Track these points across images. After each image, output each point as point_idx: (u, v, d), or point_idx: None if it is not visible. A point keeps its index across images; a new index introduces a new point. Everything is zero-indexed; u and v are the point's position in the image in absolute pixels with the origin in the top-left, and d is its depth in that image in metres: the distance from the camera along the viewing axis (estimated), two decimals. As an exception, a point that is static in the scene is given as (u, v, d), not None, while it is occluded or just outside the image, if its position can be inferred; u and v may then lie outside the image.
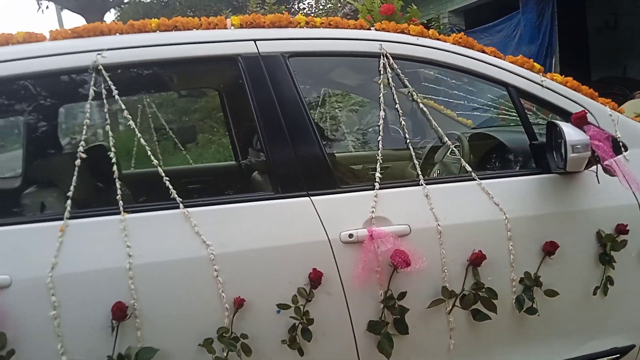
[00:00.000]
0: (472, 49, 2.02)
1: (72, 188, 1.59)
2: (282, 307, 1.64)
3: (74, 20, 44.91)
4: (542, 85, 2.00)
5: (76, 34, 1.78)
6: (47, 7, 15.39)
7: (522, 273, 1.83)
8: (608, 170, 1.85)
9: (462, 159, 1.90)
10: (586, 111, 1.85)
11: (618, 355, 1.97)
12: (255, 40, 1.83)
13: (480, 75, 2.00)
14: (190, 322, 1.61)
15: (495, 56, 2.04)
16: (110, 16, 14.69)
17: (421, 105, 1.91)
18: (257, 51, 1.82)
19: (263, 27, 1.89)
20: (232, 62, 1.82)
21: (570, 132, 1.76)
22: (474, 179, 1.85)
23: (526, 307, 1.83)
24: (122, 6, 15.26)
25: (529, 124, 1.98)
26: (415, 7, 2.48)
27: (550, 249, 1.83)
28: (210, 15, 1.97)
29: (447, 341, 1.80)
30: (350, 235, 1.70)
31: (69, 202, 1.58)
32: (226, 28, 1.90)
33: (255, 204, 1.73)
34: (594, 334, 1.97)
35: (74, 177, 1.61)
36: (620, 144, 2.00)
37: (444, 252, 1.76)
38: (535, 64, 2.08)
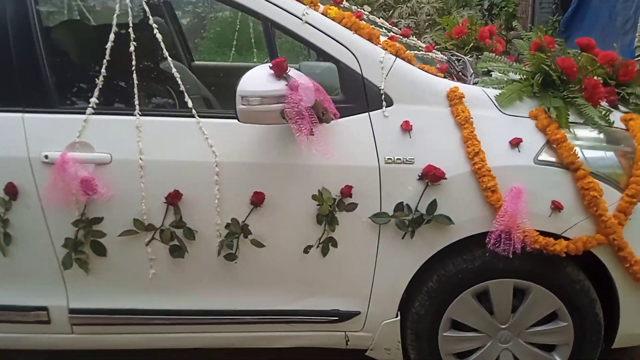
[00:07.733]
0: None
1: None
2: None
3: None
4: (302, 20, 1.78)
5: None
6: None
7: (229, 219, 1.80)
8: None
9: (185, 93, 1.80)
10: (284, 58, 1.62)
11: (337, 317, 1.89)
12: None
13: (232, 4, 1.83)
14: None
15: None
16: None
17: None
18: None
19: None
20: None
21: (248, 81, 1.59)
22: (193, 116, 1.79)
23: (226, 253, 1.82)
24: None
25: None
26: None
27: (255, 200, 1.76)
28: None
29: (147, 270, 1.87)
30: (46, 157, 1.78)
31: None
32: None
33: None
34: (314, 292, 1.89)
35: None
36: (382, 96, 1.76)
37: (143, 185, 1.78)
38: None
